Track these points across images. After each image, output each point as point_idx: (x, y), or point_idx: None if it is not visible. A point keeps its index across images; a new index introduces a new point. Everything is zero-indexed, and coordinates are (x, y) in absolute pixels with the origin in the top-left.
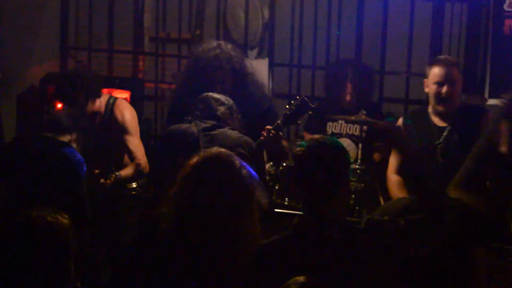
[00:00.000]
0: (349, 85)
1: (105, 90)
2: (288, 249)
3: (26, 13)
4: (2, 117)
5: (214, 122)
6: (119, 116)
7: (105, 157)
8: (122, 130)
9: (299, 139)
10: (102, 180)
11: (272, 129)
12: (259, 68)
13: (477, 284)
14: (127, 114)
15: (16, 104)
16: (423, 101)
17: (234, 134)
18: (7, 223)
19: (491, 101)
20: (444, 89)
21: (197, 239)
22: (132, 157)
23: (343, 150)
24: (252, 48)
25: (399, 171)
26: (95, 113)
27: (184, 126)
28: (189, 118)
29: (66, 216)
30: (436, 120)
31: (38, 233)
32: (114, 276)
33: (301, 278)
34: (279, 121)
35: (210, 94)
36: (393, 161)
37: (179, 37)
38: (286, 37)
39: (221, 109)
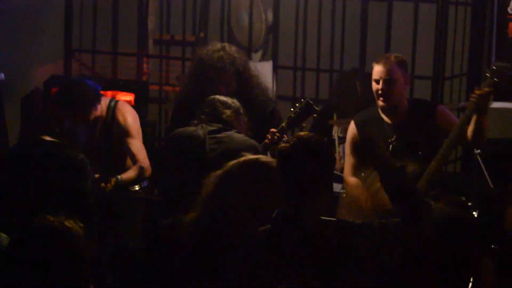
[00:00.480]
0: (355, 95)
1: (109, 93)
2: (267, 241)
3: (30, 15)
4: (7, 118)
5: (220, 125)
6: (121, 119)
7: (107, 161)
8: (124, 133)
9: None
10: (102, 185)
11: (277, 132)
12: (263, 70)
13: None
14: (129, 117)
15: (20, 106)
16: (432, 101)
17: (240, 137)
18: (24, 228)
19: (495, 104)
20: (380, 86)
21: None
22: (134, 160)
23: (328, 148)
24: (256, 51)
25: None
26: (97, 118)
27: (190, 129)
28: (196, 121)
29: (78, 221)
30: (386, 118)
31: (57, 238)
32: (117, 278)
33: None
34: (283, 124)
35: (217, 97)
36: (348, 163)
37: (183, 39)
38: (290, 39)
39: (227, 112)
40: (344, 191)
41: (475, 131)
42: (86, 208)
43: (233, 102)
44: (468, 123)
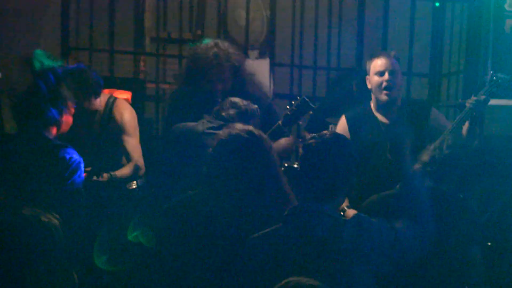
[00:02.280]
0: (351, 94)
1: (106, 91)
2: (278, 241)
3: (27, 13)
4: (3, 116)
5: (221, 122)
6: (118, 116)
7: (101, 156)
8: (120, 130)
9: (301, 139)
10: (94, 178)
11: (273, 130)
12: (260, 68)
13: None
14: (126, 114)
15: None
16: (425, 101)
17: None
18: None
19: (492, 101)
20: (386, 77)
21: None
22: (128, 158)
23: (354, 149)
24: (253, 49)
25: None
26: (95, 112)
27: (191, 124)
28: (206, 116)
29: (57, 216)
30: (380, 117)
31: (31, 232)
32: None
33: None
34: (280, 122)
35: (232, 98)
36: None
37: (180, 37)
38: (287, 37)
39: (230, 111)
40: None
41: (469, 131)
42: (72, 209)
43: (245, 105)
44: (462, 125)
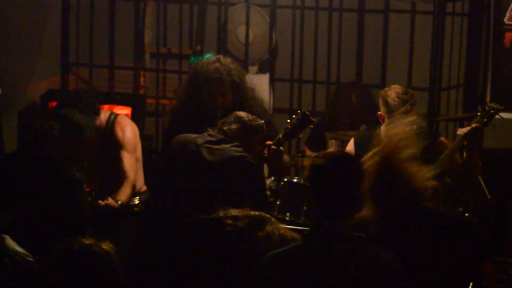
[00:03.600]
0: (351, 108)
1: (106, 107)
2: (296, 260)
3: (27, 29)
4: (4, 133)
5: (221, 137)
6: (119, 133)
7: (103, 173)
8: (120, 146)
9: (300, 154)
10: (100, 202)
11: (273, 144)
12: (260, 83)
13: None
14: (127, 131)
15: (17, 120)
16: (424, 115)
17: (233, 150)
18: (62, 251)
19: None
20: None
21: None
22: (125, 175)
23: (361, 166)
24: (253, 64)
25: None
26: (96, 129)
27: (192, 136)
28: (209, 129)
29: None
30: None
31: (98, 261)
32: None
33: None
34: (280, 136)
35: (238, 112)
36: None
37: (180, 52)
38: (287, 51)
39: (232, 126)
40: None
41: (465, 165)
42: (82, 227)
43: (250, 120)
44: (455, 152)
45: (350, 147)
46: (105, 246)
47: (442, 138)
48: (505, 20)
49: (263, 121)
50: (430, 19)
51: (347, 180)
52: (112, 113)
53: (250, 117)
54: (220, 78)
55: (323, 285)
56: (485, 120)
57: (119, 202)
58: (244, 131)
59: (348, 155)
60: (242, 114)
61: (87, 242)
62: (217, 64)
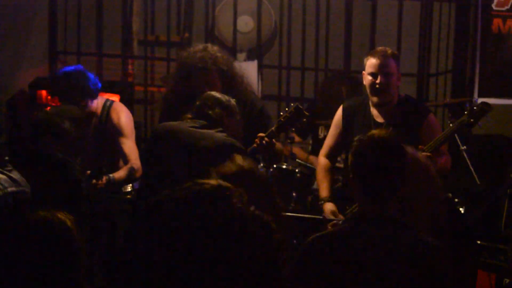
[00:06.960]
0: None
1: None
2: (344, 243)
3: (15, 18)
4: None
5: (204, 122)
6: (115, 119)
7: (99, 159)
8: (117, 132)
9: (289, 140)
10: (94, 181)
11: (266, 136)
12: (248, 70)
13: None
14: (123, 117)
15: (6, 109)
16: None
17: (220, 136)
18: (18, 224)
19: (481, 100)
20: (378, 80)
21: None
22: (126, 160)
23: (402, 145)
24: (241, 51)
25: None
26: (92, 114)
27: (174, 123)
28: (188, 115)
29: (68, 213)
30: (376, 115)
31: (54, 230)
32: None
33: None
34: (273, 128)
35: (212, 93)
36: (327, 144)
37: (168, 40)
38: (274, 39)
39: (216, 109)
40: None
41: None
42: (76, 204)
43: (227, 100)
44: (443, 143)
45: (338, 115)
46: (61, 215)
47: (431, 117)
48: (493, 6)
49: (234, 99)
50: (418, 5)
51: (393, 166)
52: (107, 99)
53: (226, 97)
54: (205, 67)
55: (373, 268)
56: (471, 120)
57: (110, 176)
58: (227, 112)
59: (393, 138)
60: (217, 95)
61: (41, 213)
62: (203, 53)
